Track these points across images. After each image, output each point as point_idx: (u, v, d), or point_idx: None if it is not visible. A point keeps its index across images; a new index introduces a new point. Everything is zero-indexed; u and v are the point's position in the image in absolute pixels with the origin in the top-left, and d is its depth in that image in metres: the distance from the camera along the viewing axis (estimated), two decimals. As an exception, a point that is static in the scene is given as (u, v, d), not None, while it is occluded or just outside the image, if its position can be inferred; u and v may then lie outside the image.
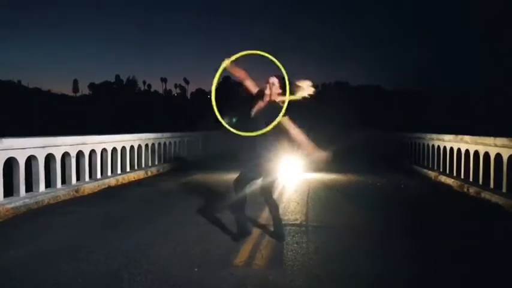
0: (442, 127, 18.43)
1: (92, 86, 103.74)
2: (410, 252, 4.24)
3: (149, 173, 10.38)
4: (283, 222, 5.33)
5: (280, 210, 6.03)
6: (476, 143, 8.46)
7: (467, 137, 8.94)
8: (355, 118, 32.42)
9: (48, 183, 7.19)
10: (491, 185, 7.61)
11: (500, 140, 7.52)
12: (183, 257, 4.01)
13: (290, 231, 4.93)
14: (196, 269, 3.66)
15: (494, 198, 7.04)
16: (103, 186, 8.19)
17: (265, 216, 5.67)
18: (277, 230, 4.58)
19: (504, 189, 7.16)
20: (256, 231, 4.90)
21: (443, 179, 9.50)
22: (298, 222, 5.44)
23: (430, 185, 9.23)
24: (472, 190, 7.90)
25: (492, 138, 7.84)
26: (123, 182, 8.97)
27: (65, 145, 7.49)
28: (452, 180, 8.99)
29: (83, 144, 7.98)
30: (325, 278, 3.49)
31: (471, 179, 8.49)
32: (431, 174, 10.27)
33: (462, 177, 8.92)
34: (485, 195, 7.39)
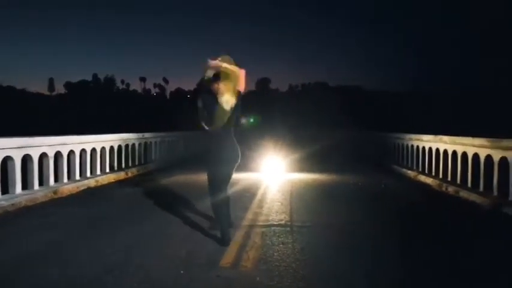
0: (424, 127, 18.76)
1: (68, 84, 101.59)
2: (394, 251, 4.29)
3: (130, 174, 10.21)
4: (268, 223, 5.36)
5: (264, 211, 6.08)
6: (455, 143, 8.63)
7: (445, 137, 9.11)
8: (336, 118, 32.75)
9: (25, 185, 6.98)
10: (469, 184, 7.79)
11: (478, 140, 7.69)
12: (169, 258, 3.94)
13: (275, 232, 4.92)
14: (182, 271, 3.61)
15: (472, 197, 7.21)
16: (82, 187, 8.01)
17: (249, 217, 5.67)
18: (223, 233, 4.43)
19: (481, 188, 7.34)
20: (241, 232, 4.87)
21: (422, 178, 9.68)
22: (283, 222, 5.44)
23: (409, 185, 9.37)
24: (450, 189, 8.07)
25: (471, 138, 8.00)
26: (103, 183, 8.80)
27: (43, 145, 7.29)
28: (431, 179, 9.16)
29: (62, 144, 7.78)
30: (312, 279, 3.49)
31: (449, 179, 8.67)
32: (411, 173, 10.45)
33: (441, 176, 9.10)
34: (463, 194, 7.56)
